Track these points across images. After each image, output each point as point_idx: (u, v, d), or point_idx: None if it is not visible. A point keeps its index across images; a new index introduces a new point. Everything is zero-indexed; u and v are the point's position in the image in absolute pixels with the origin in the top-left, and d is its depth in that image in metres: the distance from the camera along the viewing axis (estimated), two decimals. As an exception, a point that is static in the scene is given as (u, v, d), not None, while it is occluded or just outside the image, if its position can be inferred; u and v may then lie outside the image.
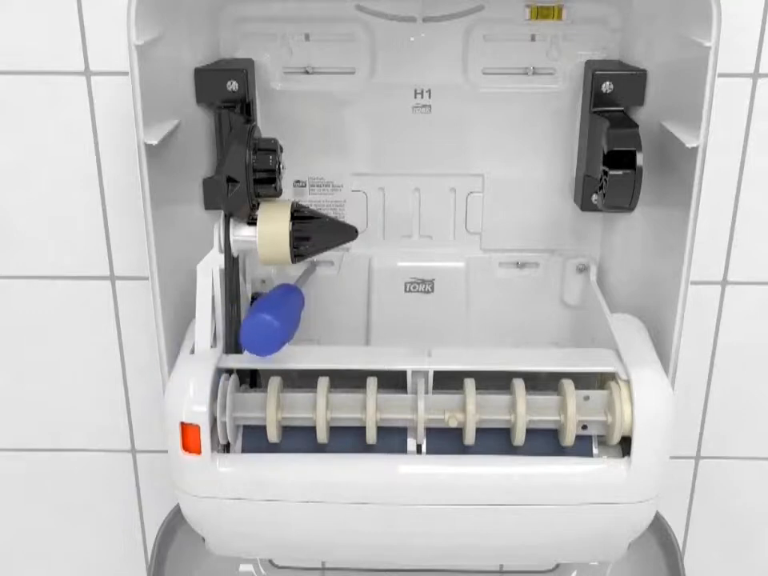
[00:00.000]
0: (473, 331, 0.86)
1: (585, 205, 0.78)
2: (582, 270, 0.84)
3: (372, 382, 0.70)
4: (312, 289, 0.85)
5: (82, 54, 0.80)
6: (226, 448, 0.71)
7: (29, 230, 0.87)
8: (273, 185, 0.70)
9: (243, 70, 0.74)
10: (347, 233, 0.72)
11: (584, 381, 0.71)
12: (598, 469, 0.70)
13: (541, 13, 0.75)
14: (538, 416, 0.69)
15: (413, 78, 0.77)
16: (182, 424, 0.68)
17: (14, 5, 0.79)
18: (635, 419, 0.68)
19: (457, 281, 0.85)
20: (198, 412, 0.68)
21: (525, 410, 0.68)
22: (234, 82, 0.74)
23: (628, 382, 0.69)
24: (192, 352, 0.73)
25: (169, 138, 0.71)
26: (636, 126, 0.73)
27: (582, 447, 0.70)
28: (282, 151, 0.73)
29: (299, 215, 0.70)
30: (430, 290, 0.85)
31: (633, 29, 0.75)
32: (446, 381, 0.70)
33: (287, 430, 0.71)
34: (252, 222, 0.70)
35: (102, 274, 0.89)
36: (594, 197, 0.77)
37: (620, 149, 0.71)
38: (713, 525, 1.00)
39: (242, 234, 0.71)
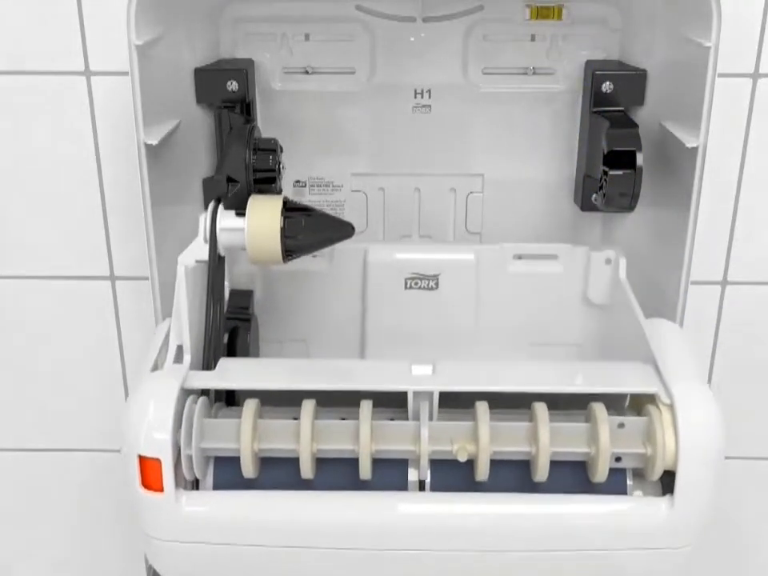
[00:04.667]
0: (483, 334, 0.80)
1: (585, 205, 0.78)
2: (609, 263, 0.77)
3: (366, 407, 0.61)
4: (300, 285, 0.81)
5: (82, 54, 0.80)
6: (196, 483, 0.63)
7: (29, 229, 0.87)
8: (273, 185, 0.70)
9: (243, 70, 0.74)
10: (343, 230, 0.67)
11: (610, 399, 0.63)
12: (634, 508, 0.61)
13: (541, 13, 0.75)
14: (563, 447, 0.60)
15: (413, 78, 0.77)
16: (141, 457, 0.59)
17: (14, 5, 0.79)
18: (680, 451, 0.58)
19: (465, 276, 0.78)
20: (158, 442, 0.58)
21: (548, 441, 0.59)
22: (234, 82, 0.74)
23: (671, 406, 0.60)
24: (156, 368, 0.64)
25: (169, 137, 0.71)
26: (636, 126, 0.73)
27: (615, 483, 0.61)
28: (282, 151, 0.73)
29: (292, 207, 0.66)
30: (434, 286, 0.79)
31: (633, 29, 0.75)
32: (454, 397, 0.62)
33: (266, 462, 0.62)
34: (241, 213, 0.66)
35: (102, 274, 0.89)
36: (594, 197, 0.77)
37: (620, 149, 0.71)
38: (713, 525, 1.00)
39: (229, 223, 0.66)
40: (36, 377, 0.94)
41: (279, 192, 0.73)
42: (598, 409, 0.60)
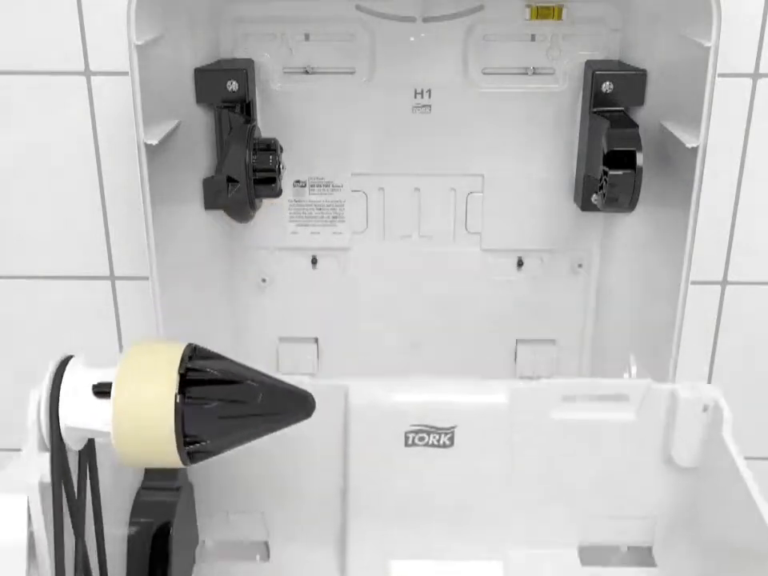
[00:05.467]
0: (519, 512, 0.59)
1: (585, 205, 0.78)
2: (706, 410, 0.58)
3: None
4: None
5: (82, 53, 0.80)
6: None
7: (29, 229, 0.87)
8: (273, 185, 0.71)
9: (243, 70, 0.74)
10: (295, 408, 0.41)
11: None
12: None
13: (541, 13, 0.75)
14: None
15: (413, 78, 0.77)
16: None
17: (14, 5, 0.79)
18: None
19: (493, 426, 0.57)
20: None
21: None
22: (234, 82, 0.74)
23: None
24: None
25: (169, 138, 0.71)
26: (636, 126, 0.73)
27: None
28: (281, 151, 0.73)
29: (197, 378, 0.38)
30: (447, 442, 0.58)
31: (633, 29, 0.75)
32: None
33: None
34: (101, 390, 0.40)
35: (102, 274, 0.89)
36: (594, 197, 0.77)
37: (620, 149, 0.71)
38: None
39: (82, 417, 0.39)
40: (35, 377, 0.94)
41: (279, 192, 0.73)
42: None
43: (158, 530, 0.51)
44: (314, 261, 0.83)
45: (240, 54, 0.77)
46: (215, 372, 0.39)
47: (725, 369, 0.92)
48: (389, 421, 0.58)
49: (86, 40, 0.80)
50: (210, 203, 0.78)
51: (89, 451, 0.43)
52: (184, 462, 0.40)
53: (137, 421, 0.38)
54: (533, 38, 0.76)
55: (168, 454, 0.38)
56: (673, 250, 0.72)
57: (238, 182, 0.69)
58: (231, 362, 0.40)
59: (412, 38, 0.76)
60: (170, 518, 0.51)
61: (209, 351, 0.39)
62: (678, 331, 0.73)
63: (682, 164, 0.70)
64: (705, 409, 0.58)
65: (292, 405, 0.40)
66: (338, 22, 0.76)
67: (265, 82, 0.77)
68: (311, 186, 0.81)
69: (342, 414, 0.57)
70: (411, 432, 0.57)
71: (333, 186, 0.81)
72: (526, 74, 0.77)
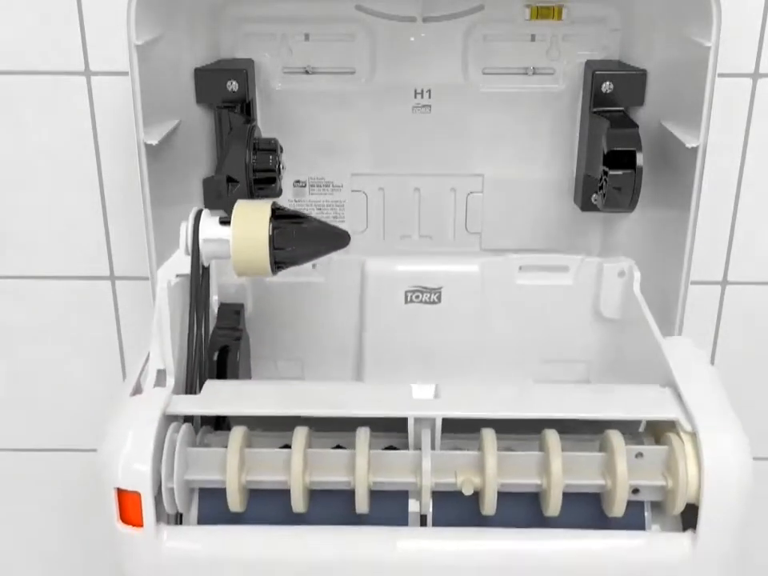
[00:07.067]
0: (488, 350, 0.77)
1: (585, 205, 0.78)
2: (623, 275, 0.75)
3: (363, 435, 0.56)
4: (295, 298, 0.78)
5: (82, 54, 0.80)
6: (179, 517, 0.58)
7: (29, 230, 0.87)
8: (273, 185, 0.70)
9: (243, 70, 0.74)
10: (338, 239, 0.62)
11: (623, 424, 0.59)
12: (653, 544, 0.56)
13: (541, 13, 0.75)
14: (577, 479, 0.55)
15: (413, 77, 0.77)
16: (118, 490, 0.54)
17: (14, 5, 0.79)
18: (704, 483, 0.54)
19: (469, 289, 0.75)
20: (137, 474, 0.54)
21: (561, 473, 0.54)
22: (234, 82, 0.74)
23: (694, 435, 0.56)
24: (136, 392, 0.59)
25: (169, 138, 0.71)
26: (636, 126, 0.73)
27: (633, 517, 0.56)
28: (282, 151, 0.73)
29: (281, 214, 0.61)
30: (436, 299, 0.76)
31: (633, 29, 0.75)
32: (458, 422, 0.58)
33: (255, 495, 0.57)
34: (225, 221, 0.61)
35: (102, 274, 0.89)
36: (594, 197, 0.77)
37: (620, 149, 0.71)
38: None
39: (213, 233, 0.61)
40: (35, 377, 0.94)
41: (279, 192, 0.73)
42: (615, 437, 0.55)
43: (226, 355, 0.70)
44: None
45: (240, 54, 0.77)
46: (291, 213, 0.62)
47: (725, 369, 0.92)
48: (393, 283, 0.76)
49: (86, 40, 0.80)
50: (210, 203, 0.78)
51: (206, 276, 0.63)
52: (272, 270, 0.61)
53: (245, 239, 0.60)
54: (533, 38, 0.76)
55: (261, 262, 0.60)
56: (673, 249, 0.72)
57: (237, 182, 0.69)
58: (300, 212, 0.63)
59: (412, 38, 0.76)
60: (237, 350, 0.70)
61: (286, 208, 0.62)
62: (678, 331, 0.73)
63: (682, 164, 0.70)
64: (621, 274, 0.76)
65: (336, 235, 0.63)
66: (338, 21, 0.76)
67: (265, 81, 0.77)
68: (311, 185, 0.81)
69: (359, 279, 0.77)
70: (410, 291, 0.76)
71: (333, 186, 0.81)
72: (526, 74, 0.77)
